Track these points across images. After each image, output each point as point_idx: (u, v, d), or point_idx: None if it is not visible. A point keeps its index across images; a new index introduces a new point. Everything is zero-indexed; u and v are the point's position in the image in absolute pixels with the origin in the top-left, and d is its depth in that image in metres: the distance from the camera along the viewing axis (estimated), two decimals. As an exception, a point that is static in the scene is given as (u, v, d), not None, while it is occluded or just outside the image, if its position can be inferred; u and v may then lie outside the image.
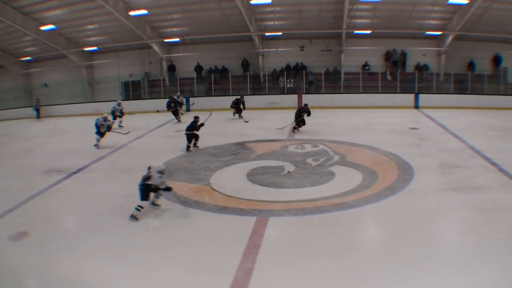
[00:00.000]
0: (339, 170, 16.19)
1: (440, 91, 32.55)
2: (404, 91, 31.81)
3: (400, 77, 33.06)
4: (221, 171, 16.60)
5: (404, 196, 13.75)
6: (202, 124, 20.07)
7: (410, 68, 35.19)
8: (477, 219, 12.06)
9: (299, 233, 11.27)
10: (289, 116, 24.90)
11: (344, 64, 34.68)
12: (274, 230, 11.53)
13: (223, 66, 36.25)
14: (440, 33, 33.69)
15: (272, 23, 32.41)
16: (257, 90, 34.10)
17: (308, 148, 19.42)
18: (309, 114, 21.88)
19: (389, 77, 34.04)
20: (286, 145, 19.75)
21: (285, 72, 34.30)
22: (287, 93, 32.27)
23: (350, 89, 32.84)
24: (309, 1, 28.94)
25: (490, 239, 10.69)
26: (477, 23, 31.95)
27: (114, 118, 26.32)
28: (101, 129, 20.63)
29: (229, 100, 28.73)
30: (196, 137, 19.96)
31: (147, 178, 12.37)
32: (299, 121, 21.77)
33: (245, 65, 35.99)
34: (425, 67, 35.37)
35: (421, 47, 34.95)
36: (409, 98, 30.62)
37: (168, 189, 12.67)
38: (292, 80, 34.42)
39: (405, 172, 16.04)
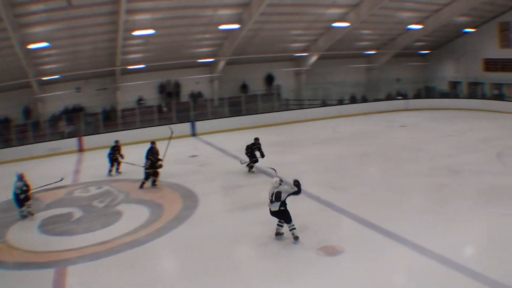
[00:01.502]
0: (126, 208, 16.83)
1: (216, 116, 34.53)
2: (181, 120, 33.15)
3: (175, 107, 34.27)
4: (15, 225, 16.22)
5: (193, 223, 14.87)
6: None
7: (185, 97, 36.73)
8: (267, 232, 13.54)
9: (99, 278, 11.57)
10: (69, 161, 24.96)
11: (120, 101, 35.16)
12: (74, 279, 11.67)
13: (6, 117, 34.47)
14: (212, 59, 35.54)
15: (49, 66, 31.87)
16: (38, 137, 33.13)
17: (93, 190, 19.69)
18: (262, 155, 20.97)
19: (164, 108, 35.16)
20: (71, 191, 19.80)
21: (64, 115, 33.84)
22: (67, 137, 31.90)
23: (128, 125, 33.34)
24: (84, 41, 28.97)
25: (283, 249, 12.43)
26: (248, 46, 34.81)
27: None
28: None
29: (13, 152, 27.86)
30: None
31: None
32: (254, 161, 20.99)
33: (27, 112, 34.85)
34: (200, 94, 37.30)
35: (195, 75, 37.11)
36: (186, 126, 31.96)
37: None
38: (71, 124, 33.90)
39: (190, 199, 17.29)
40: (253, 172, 20.78)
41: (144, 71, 35.29)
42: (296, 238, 12.79)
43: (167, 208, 16.21)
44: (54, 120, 34.32)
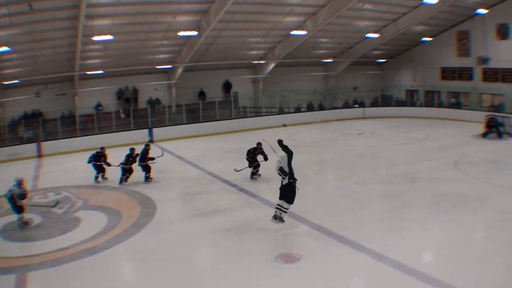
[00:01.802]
0: (84, 215, 16.67)
1: (173, 123, 34.49)
2: (139, 127, 32.97)
3: (133, 113, 34.10)
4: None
5: (151, 229, 14.86)
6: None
7: (143, 103, 36.54)
8: (225, 239, 13.73)
9: (60, 284, 11.51)
10: (28, 166, 24.74)
11: (79, 106, 34.80)
12: (35, 285, 11.58)
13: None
14: (170, 66, 35.49)
15: (9, 71, 31.33)
16: (-1, 142, 32.45)
17: (52, 196, 19.41)
18: (266, 159, 20.59)
19: (122, 115, 34.96)
20: (31, 197, 19.44)
21: (23, 120, 33.33)
22: (26, 143, 31.38)
23: (86, 131, 33.02)
24: (44, 46, 28.58)
25: (241, 256, 12.52)
26: (206, 53, 34.97)
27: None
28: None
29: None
30: None
31: None
32: (255, 165, 20.60)
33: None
34: (158, 101, 37.15)
35: (153, 82, 36.91)
36: (143, 133, 31.76)
37: None
38: (30, 129, 33.41)
39: (148, 206, 17.29)
40: (259, 175, 20.78)
41: (103, 77, 35.06)
42: (280, 219, 13.93)
43: (125, 215, 16.16)
44: (14, 125, 33.86)
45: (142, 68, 35.77)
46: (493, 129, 29.17)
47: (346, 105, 44.00)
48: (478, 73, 40.88)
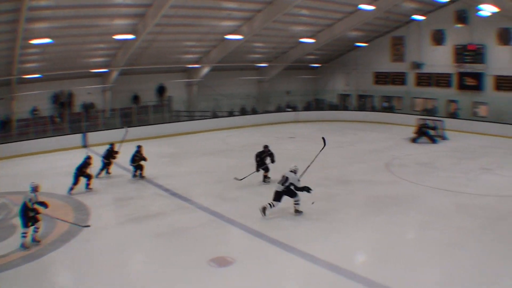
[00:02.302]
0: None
1: (108, 127, 33.92)
2: (74, 131, 32.36)
3: (68, 117, 33.55)
4: None
5: (85, 236, 14.47)
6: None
7: (77, 107, 35.99)
8: (158, 244, 13.69)
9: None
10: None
11: (17, 111, 34.03)
12: None
13: None
14: (106, 70, 35.12)
15: None
16: None
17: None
18: (273, 161, 20.84)
19: (57, 119, 34.38)
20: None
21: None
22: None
23: (23, 135, 32.28)
24: None
25: (174, 260, 12.61)
26: (141, 57, 34.61)
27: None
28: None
29: None
30: None
31: None
32: (264, 168, 20.14)
33: None
34: (92, 105, 36.60)
35: (88, 86, 36.26)
36: (78, 138, 31.28)
37: None
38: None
39: (82, 212, 16.90)
40: (269, 178, 20.59)
41: (41, 81, 34.17)
42: (298, 212, 15.76)
43: (60, 221, 15.77)
44: None
45: (78, 72, 34.92)
46: (423, 135, 29.81)
47: (279, 109, 44.43)
48: (411, 78, 42.06)
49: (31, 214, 13.71)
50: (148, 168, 22.41)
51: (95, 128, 33.63)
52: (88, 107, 36.69)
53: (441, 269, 11.63)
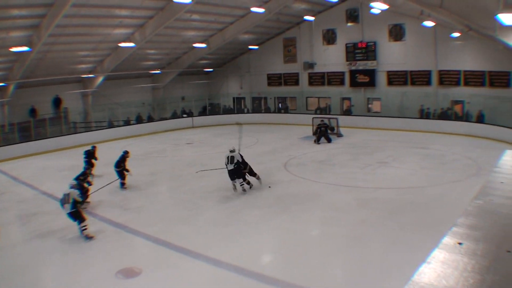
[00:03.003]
0: None
1: (6, 142, 32.89)
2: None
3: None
4: None
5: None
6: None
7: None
8: (64, 260, 13.37)
9: None
10: None
11: None
12: None
13: None
14: (4, 84, 34.10)
15: None
16: None
17: None
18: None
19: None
20: None
21: None
22: None
23: None
24: None
25: (83, 275, 12.26)
26: (37, 68, 33.69)
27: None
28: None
29: None
30: None
31: None
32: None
33: None
34: (-12, 120, 35.45)
35: (-14, 101, 35.03)
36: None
37: None
38: None
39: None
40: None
41: None
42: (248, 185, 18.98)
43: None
44: None
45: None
46: (323, 135, 30.23)
47: (175, 116, 44.36)
48: (304, 78, 43.29)
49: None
50: (49, 182, 22.04)
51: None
52: (-16, 123, 35.50)
53: (347, 262, 12.06)
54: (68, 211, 14.61)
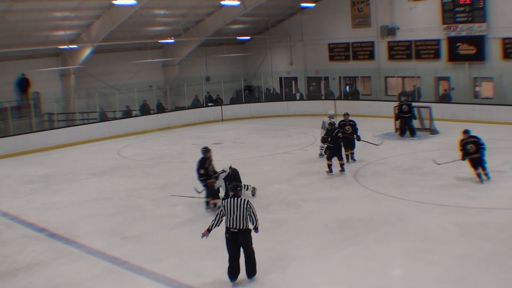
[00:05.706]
0: None
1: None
2: None
3: None
4: None
5: None
6: None
7: None
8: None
9: None
10: None
11: None
12: None
13: None
14: None
15: None
16: None
17: None
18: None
19: None
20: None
21: None
22: None
23: None
24: None
25: None
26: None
27: None
28: None
29: None
30: None
31: None
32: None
33: None
34: None
35: None
36: None
37: None
38: None
39: None
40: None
41: None
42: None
43: None
44: None
45: None
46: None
47: (196, 104, 44.33)
48: (382, 49, 42.91)
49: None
50: (11, 199, 22.12)
51: None
52: None
53: None
54: None
